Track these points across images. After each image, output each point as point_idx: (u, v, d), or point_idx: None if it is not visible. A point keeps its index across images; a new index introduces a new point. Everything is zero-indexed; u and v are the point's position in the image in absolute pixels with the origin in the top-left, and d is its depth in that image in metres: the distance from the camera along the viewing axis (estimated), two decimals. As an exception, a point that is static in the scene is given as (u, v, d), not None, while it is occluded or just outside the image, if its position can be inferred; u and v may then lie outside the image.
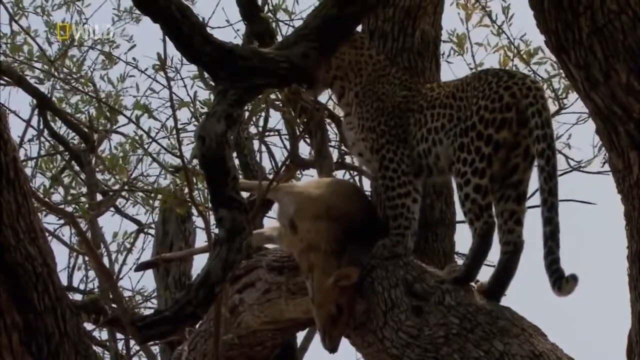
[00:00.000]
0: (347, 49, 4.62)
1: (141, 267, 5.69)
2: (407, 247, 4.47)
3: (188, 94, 6.58)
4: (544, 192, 4.14)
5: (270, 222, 5.25)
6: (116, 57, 7.40)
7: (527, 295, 5.58)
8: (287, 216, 4.60)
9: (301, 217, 4.54)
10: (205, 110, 5.30)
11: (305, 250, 4.48)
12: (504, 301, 4.41)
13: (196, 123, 5.84)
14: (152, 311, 3.72)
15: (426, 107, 4.50)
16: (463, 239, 5.13)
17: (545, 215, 4.12)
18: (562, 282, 4.05)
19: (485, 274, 4.40)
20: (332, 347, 4.37)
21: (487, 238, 4.27)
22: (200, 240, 7.05)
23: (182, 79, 6.79)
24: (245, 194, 4.63)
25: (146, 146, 6.68)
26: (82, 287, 7.37)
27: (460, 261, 4.98)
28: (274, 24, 6.24)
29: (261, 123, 6.82)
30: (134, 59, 7.32)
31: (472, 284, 4.32)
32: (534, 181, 4.31)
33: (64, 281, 6.98)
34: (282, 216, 4.66)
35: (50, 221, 7.14)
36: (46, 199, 6.28)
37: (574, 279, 4.05)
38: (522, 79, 4.32)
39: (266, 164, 7.23)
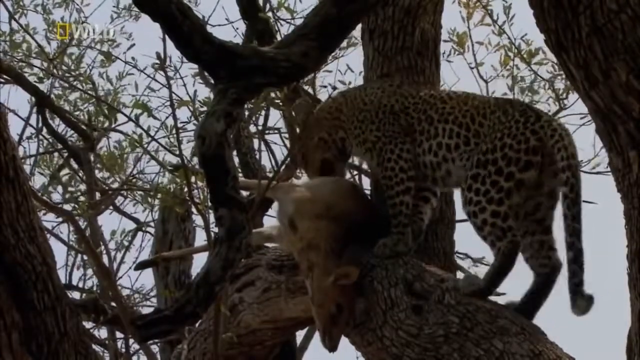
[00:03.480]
0: (324, 115, 4.67)
1: (141, 266, 5.69)
2: (408, 244, 4.47)
3: (187, 93, 6.59)
4: (567, 218, 4.15)
5: (270, 221, 5.25)
6: (115, 56, 7.40)
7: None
8: (286, 215, 4.60)
9: (301, 216, 4.54)
10: (205, 109, 5.29)
11: (305, 249, 4.48)
12: (503, 300, 4.41)
13: (195, 122, 5.84)
14: (151, 310, 3.72)
15: (437, 120, 4.46)
16: (463, 238, 5.14)
17: (568, 240, 4.13)
18: (578, 302, 4.13)
19: (484, 273, 4.40)
20: (331, 346, 4.37)
21: (512, 256, 4.23)
22: (200, 239, 7.05)
23: (181, 77, 6.79)
24: (245, 193, 4.63)
25: (145, 145, 6.67)
26: (81, 285, 7.39)
27: (460, 261, 5.00)
28: (275, 23, 6.23)
29: (261, 121, 6.83)
30: (132, 58, 7.33)
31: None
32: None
33: (63, 279, 6.99)
34: (282, 215, 4.66)
35: (49, 219, 7.15)
36: (45, 198, 6.26)
37: (589, 299, 4.10)
38: (548, 121, 4.30)
39: (266, 162, 7.24)
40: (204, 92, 6.93)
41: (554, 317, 4.24)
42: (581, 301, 4.14)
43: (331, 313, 4.37)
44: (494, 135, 4.32)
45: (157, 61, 6.25)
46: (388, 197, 4.50)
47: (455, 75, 6.74)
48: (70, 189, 7.22)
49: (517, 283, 4.45)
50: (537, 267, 4.35)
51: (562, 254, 4.25)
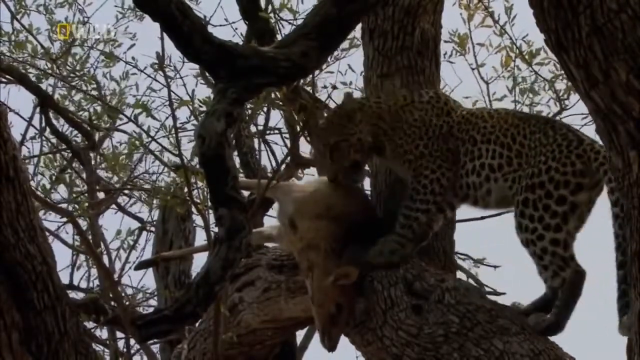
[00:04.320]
0: (359, 116, 4.55)
1: (141, 265, 5.70)
2: (404, 257, 4.44)
3: (187, 93, 6.59)
4: (618, 237, 4.11)
5: (270, 221, 5.25)
6: (116, 56, 7.40)
7: (527, 294, 5.58)
8: (287, 215, 4.60)
9: (301, 216, 4.54)
10: (204, 108, 5.29)
11: (305, 249, 4.48)
12: (504, 300, 4.42)
13: (195, 122, 5.84)
14: (152, 310, 3.71)
15: (480, 141, 4.44)
16: (463, 238, 5.14)
17: (619, 259, 4.10)
18: (626, 321, 4.07)
19: (484, 273, 4.40)
20: (331, 346, 4.38)
21: (579, 287, 4.18)
22: (200, 239, 7.06)
23: (181, 77, 6.79)
24: (245, 193, 4.63)
25: (147, 144, 6.68)
26: (83, 285, 7.39)
27: (459, 261, 4.99)
28: (277, 24, 6.23)
29: (261, 121, 6.82)
30: (133, 58, 7.34)
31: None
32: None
33: (65, 279, 6.99)
34: (282, 215, 4.66)
35: (51, 219, 7.15)
36: (46, 198, 6.27)
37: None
38: (590, 144, 4.29)
39: (266, 162, 7.24)
40: (203, 92, 6.92)
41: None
42: (628, 321, 4.13)
43: (330, 313, 4.37)
44: (537, 158, 4.31)
45: (157, 61, 6.26)
46: (406, 206, 4.47)
47: (457, 76, 6.74)
48: (75, 189, 7.23)
49: (517, 283, 4.45)
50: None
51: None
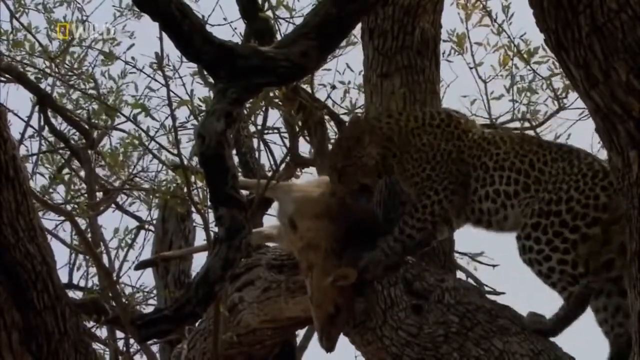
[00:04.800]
0: (368, 139, 4.49)
1: (141, 265, 5.70)
2: (388, 267, 4.39)
3: (187, 92, 6.59)
4: None
5: (270, 221, 5.25)
6: (116, 55, 7.40)
7: (527, 294, 5.58)
8: (287, 215, 4.60)
9: (301, 216, 4.54)
10: (204, 107, 5.29)
11: (305, 249, 4.48)
12: (503, 299, 4.42)
13: (194, 121, 5.84)
14: (151, 309, 3.71)
15: (493, 168, 4.37)
16: (463, 238, 5.15)
17: None
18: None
19: (484, 273, 4.41)
20: (329, 346, 4.38)
21: (584, 303, 4.14)
22: (200, 238, 7.06)
23: (180, 77, 6.79)
24: (244, 192, 4.63)
25: (146, 143, 6.67)
26: (82, 284, 7.39)
27: (460, 261, 4.99)
28: (273, 21, 6.23)
29: (260, 121, 6.82)
30: (132, 58, 7.34)
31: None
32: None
33: (64, 278, 6.99)
34: (282, 215, 4.66)
35: (50, 218, 7.15)
36: (45, 198, 6.27)
37: None
38: None
39: (265, 162, 7.24)
40: (202, 92, 6.92)
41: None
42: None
43: (329, 313, 4.37)
44: (558, 185, 4.23)
45: (156, 61, 6.26)
46: (404, 221, 4.41)
47: (456, 75, 6.75)
48: (73, 187, 7.22)
49: (517, 283, 4.45)
50: (612, 336, 4.16)
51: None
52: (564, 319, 4.16)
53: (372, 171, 4.51)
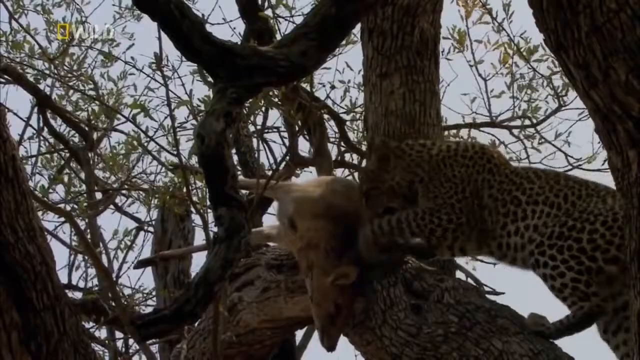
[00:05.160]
0: (393, 162, 4.48)
1: (140, 264, 5.70)
2: (385, 240, 4.38)
3: (186, 92, 6.59)
4: None
5: (270, 221, 5.25)
6: (115, 56, 7.41)
7: (527, 294, 5.58)
8: (286, 215, 4.60)
9: (301, 215, 4.54)
10: (203, 107, 5.30)
11: (305, 248, 4.48)
12: (503, 299, 4.42)
13: (194, 121, 5.84)
14: (151, 309, 3.71)
15: (525, 202, 4.30)
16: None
17: None
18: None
19: (483, 273, 4.40)
20: (329, 345, 4.37)
21: (592, 319, 4.10)
22: (199, 238, 7.06)
23: (179, 77, 6.80)
24: (244, 192, 4.63)
25: (145, 144, 6.68)
26: (82, 284, 7.39)
27: (459, 261, 4.95)
28: (273, 20, 6.24)
29: (260, 120, 6.83)
30: (132, 58, 7.34)
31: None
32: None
33: (64, 279, 7.00)
34: (282, 214, 4.66)
35: (49, 219, 7.16)
36: (44, 198, 6.26)
37: None
38: None
39: (265, 161, 7.24)
40: (202, 92, 6.93)
41: (554, 316, 4.24)
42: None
43: (329, 313, 4.37)
44: (585, 216, 4.17)
45: (155, 61, 6.26)
46: (406, 214, 4.38)
47: (455, 73, 6.76)
48: (72, 189, 7.23)
49: (516, 283, 4.45)
50: None
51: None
52: (568, 328, 4.13)
53: (396, 194, 4.49)
